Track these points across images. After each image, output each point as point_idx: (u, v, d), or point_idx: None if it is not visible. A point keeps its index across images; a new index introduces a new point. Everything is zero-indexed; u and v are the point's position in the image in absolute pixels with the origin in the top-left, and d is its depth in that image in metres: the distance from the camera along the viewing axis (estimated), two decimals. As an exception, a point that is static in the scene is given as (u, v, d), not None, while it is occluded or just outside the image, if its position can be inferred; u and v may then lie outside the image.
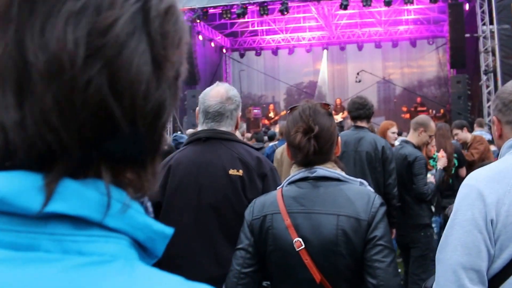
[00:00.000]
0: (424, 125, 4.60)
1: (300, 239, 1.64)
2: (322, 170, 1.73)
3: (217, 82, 2.44)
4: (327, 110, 1.83)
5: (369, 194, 1.71)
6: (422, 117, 4.91)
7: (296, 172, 1.79)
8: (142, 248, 0.55)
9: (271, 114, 17.68)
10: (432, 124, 4.67)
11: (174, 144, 5.35)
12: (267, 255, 1.73)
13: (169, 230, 0.58)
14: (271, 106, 18.40)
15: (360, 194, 1.70)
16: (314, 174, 1.73)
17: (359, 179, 1.82)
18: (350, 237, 1.61)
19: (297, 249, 1.63)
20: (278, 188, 1.86)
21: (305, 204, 1.71)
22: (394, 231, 4.36)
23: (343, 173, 1.78)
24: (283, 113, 18.10)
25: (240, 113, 2.40)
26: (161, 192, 2.25)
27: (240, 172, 2.18)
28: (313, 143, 1.69)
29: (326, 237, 1.63)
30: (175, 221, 2.15)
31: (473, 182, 1.53)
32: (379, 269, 1.57)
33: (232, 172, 2.18)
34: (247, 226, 1.78)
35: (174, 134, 6.18)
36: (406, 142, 4.63)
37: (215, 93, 2.31)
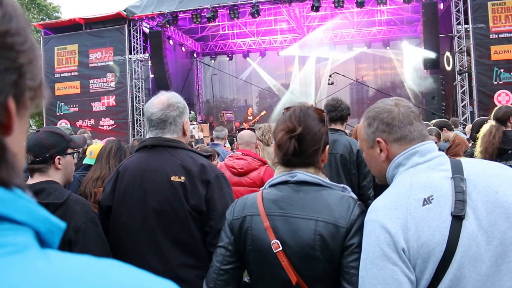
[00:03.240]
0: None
1: (278, 241, 1.67)
2: (302, 174, 1.73)
3: (161, 91, 2.48)
4: (320, 115, 1.81)
5: (349, 201, 1.69)
6: None
7: (277, 175, 1.80)
8: (40, 241, 0.59)
9: (250, 117, 17.60)
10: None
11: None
12: (246, 254, 1.77)
13: (62, 224, 0.63)
14: (250, 110, 18.29)
15: (340, 201, 1.69)
16: (295, 179, 1.74)
17: (342, 185, 1.80)
18: (328, 243, 1.62)
19: (275, 251, 1.67)
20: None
21: (284, 207, 1.72)
22: None
23: (325, 179, 1.77)
24: (262, 113, 17.97)
25: (186, 119, 2.42)
26: (111, 196, 2.34)
27: (182, 179, 2.22)
28: (293, 143, 1.70)
29: (304, 241, 1.65)
30: (124, 224, 2.28)
31: (373, 216, 1.52)
32: (355, 276, 1.54)
33: (174, 178, 2.22)
34: (227, 225, 1.83)
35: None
36: None
37: (157, 101, 2.36)
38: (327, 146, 1.82)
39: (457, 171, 1.51)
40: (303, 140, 1.73)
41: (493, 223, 1.39)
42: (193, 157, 2.32)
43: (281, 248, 1.66)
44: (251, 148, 4.37)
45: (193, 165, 2.26)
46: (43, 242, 0.60)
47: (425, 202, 1.45)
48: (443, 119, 8.65)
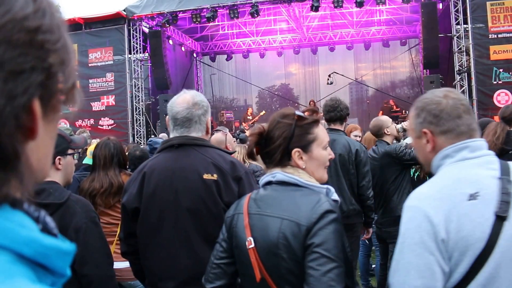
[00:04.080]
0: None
1: (252, 239, 1.72)
2: (280, 174, 1.78)
3: (184, 89, 2.48)
4: (290, 119, 1.82)
5: (318, 200, 1.67)
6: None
7: (264, 176, 1.87)
8: (42, 266, 0.53)
9: (249, 117, 17.55)
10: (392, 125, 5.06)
11: (150, 149, 5.16)
12: (233, 251, 1.84)
13: (67, 246, 0.56)
14: (249, 110, 18.24)
15: (308, 200, 1.68)
16: (275, 179, 1.79)
17: (326, 186, 1.80)
18: (290, 242, 1.62)
19: (248, 247, 1.71)
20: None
21: (261, 206, 1.78)
22: (370, 230, 4.69)
23: (306, 180, 1.76)
24: (262, 113, 17.95)
25: (209, 118, 2.45)
26: (137, 198, 2.30)
27: (215, 177, 2.23)
28: (253, 145, 1.85)
29: (270, 239, 1.68)
30: (155, 225, 2.26)
31: (416, 203, 1.53)
32: (311, 277, 1.54)
33: (206, 176, 2.23)
34: (224, 223, 1.92)
35: (150, 139, 5.96)
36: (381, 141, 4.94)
37: (182, 100, 2.35)
38: (295, 150, 1.79)
39: (506, 173, 1.53)
40: (265, 142, 1.83)
41: None
42: (221, 154, 2.35)
43: (253, 245, 1.71)
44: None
45: (223, 162, 2.29)
46: (47, 268, 0.54)
47: (471, 198, 1.46)
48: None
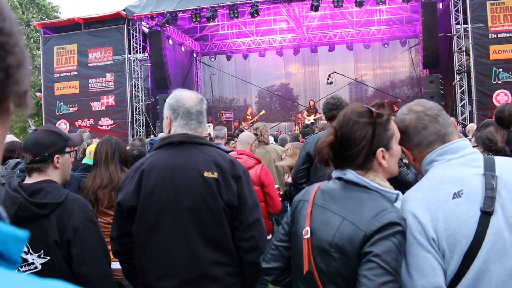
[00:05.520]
0: None
1: (309, 229, 1.69)
2: (351, 174, 1.70)
3: (178, 88, 2.46)
4: (368, 117, 1.70)
5: (384, 208, 1.57)
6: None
7: (334, 172, 1.80)
8: None
9: (249, 117, 17.52)
10: None
11: (150, 148, 5.16)
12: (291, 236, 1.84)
13: (22, 233, 0.56)
14: (249, 109, 18.21)
15: (375, 205, 1.60)
16: (345, 177, 1.72)
17: (396, 192, 1.68)
18: (345, 243, 1.57)
19: (304, 237, 1.69)
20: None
21: (326, 199, 1.73)
22: None
23: (377, 183, 1.67)
24: (262, 113, 17.94)
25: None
26: (134, 196, 2.25)
27: (215, 175, 2.21)
28: (327, 150, 1.74)
29: (326, 235, 1.63)
30: (152, 223, 2.21)
31: (406, 206, 1.58)
32: (364, 286, 1.46)
33: (207, 174, 2.21)
34: (291, 207, 1.91)
35: (151, 138, 5.92)
36: None
37: (188, 96, 2.36)
38: (380, 150, 1.68)
39: (489, 168, 1.55)
40: (342, 145, 1.70)
41: None
42: (221, 153, 2.34)
43: (308, 236, 1.68)
44: (245, 147, 4.46)
45: (223, 161, 2.28)
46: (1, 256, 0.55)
47: (455, 196, 1.51)
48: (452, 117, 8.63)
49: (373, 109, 1.70)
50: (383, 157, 1.69)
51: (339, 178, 1.75)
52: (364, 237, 1.53)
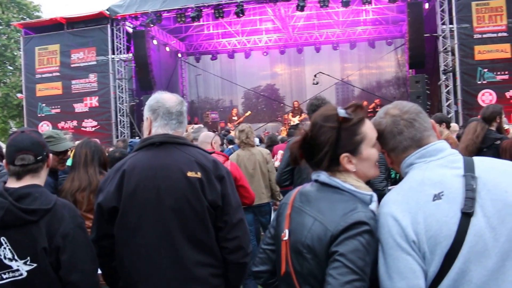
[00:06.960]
0: None
1: (287, 231, 1.71)
2: (324, 175, 1.72)
3: (159, 91, 2.46)
4: (335, 118, 1.70)
5: (353, 208, 1.58)
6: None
7: (312, 173, 1.81)
8: None
9: (235, 117, 17.38)
10: None
11: (130, 150, 5.09)
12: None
13: None
14: (234, 110, 18.11)
15: (344, 206, 1.60)
16: (319, 179, 1.74)
17: (370, 193, 1.68)
18: (315, 244, 1.58)
19: (282, 239, 1.72)
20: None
21: (303, 201, 1.75)
22: None
23: (350, 184, 1.68)
24: (247, 113, 17.86)
25: None
26: (116, 197, 2.21)
27: (199, 174, 2.20)
28: (298, 151, 1.78)
29: (300, 236, 1.65)
30: (135, 224, 2.17)
31: (386, 209, 1.57)
32: (329, 285, 1.48)
33: (190, 174, 2.19)
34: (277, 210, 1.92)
35: (130, 140, 5.81)
36: None
37: (168, 97, 2.38)
38: (344, 155, 1.67)
39: (469, 169, 1.55)
40: (311, 148, 1.73)
41: (501, 220, 1.43)
42: (203, 153, 2.34)
43: (287, 238, 1.71)
44: (205, 147, 4.51)
45: (206, 161, 2.27)
46: None
47: (435, 198, 1.50)
48: (444, 114, 8.62)
49: (340, 113, 1.68)
50: (350, 161, 1.69)
51: (316, 180, 1.77)
52: (331, 237, 1.54)
